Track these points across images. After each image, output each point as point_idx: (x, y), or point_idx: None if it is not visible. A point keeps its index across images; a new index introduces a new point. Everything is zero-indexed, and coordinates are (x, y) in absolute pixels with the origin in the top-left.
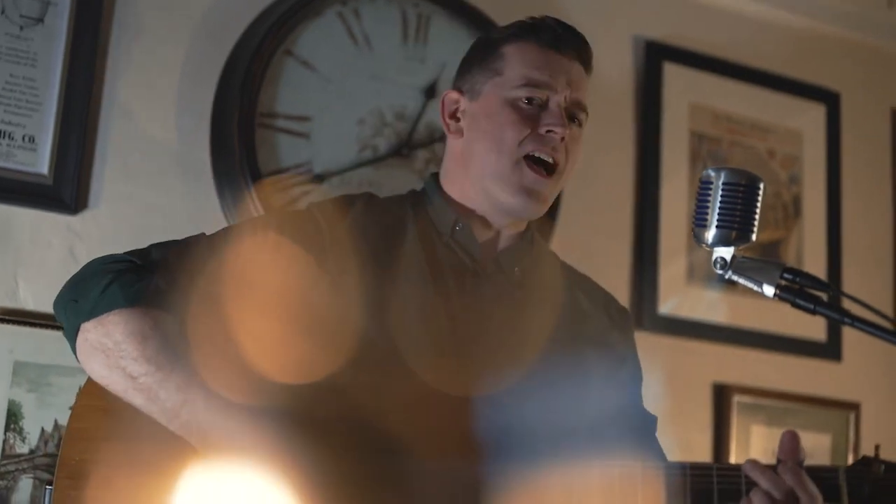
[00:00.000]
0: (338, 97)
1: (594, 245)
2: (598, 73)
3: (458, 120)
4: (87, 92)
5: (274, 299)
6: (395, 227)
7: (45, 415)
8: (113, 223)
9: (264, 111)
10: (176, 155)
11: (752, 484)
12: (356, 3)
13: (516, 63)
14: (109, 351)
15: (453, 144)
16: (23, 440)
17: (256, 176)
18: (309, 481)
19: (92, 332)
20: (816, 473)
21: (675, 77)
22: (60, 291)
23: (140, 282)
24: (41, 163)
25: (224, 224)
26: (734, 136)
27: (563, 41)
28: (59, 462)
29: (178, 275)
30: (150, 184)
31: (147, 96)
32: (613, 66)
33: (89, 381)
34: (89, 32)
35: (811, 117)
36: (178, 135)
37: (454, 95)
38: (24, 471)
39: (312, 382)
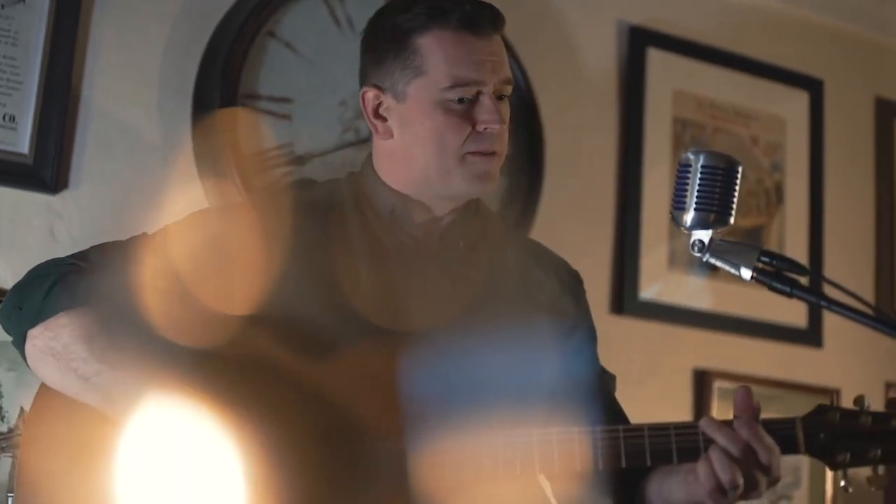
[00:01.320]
0: (320, 79)
1: (576, 230)
2: (581, 57)
3: (384, 119)
4: (69, 71)
5: (215, 291)
6: (334, 210)
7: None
8: (93, 203)
9: (246, 92)
10: (157, 135)
11: (709, 441)
12: None
13: (438, 59)
14: (59, 354)
15: (384, 144)
16: (2, 419)
17: (238, 156)
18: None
19: (39, 338)
20: (772, 426)
21: (658, 63)
22: (4, 300)
23: (83, 282)
24: (21, 142)
25: (205, 205)
26: (717, 123)
27: (474, 19)
28: (19, 468)
29: (120, 273)
30: (131, 164)
31: (129, 76)
32: (597, 52)
33: (42, 387)
34: (71, 12)
35: (794, 104)
36: (160, 115)
37: (374, 93)
38: (2, 449)
39: (259, 364)
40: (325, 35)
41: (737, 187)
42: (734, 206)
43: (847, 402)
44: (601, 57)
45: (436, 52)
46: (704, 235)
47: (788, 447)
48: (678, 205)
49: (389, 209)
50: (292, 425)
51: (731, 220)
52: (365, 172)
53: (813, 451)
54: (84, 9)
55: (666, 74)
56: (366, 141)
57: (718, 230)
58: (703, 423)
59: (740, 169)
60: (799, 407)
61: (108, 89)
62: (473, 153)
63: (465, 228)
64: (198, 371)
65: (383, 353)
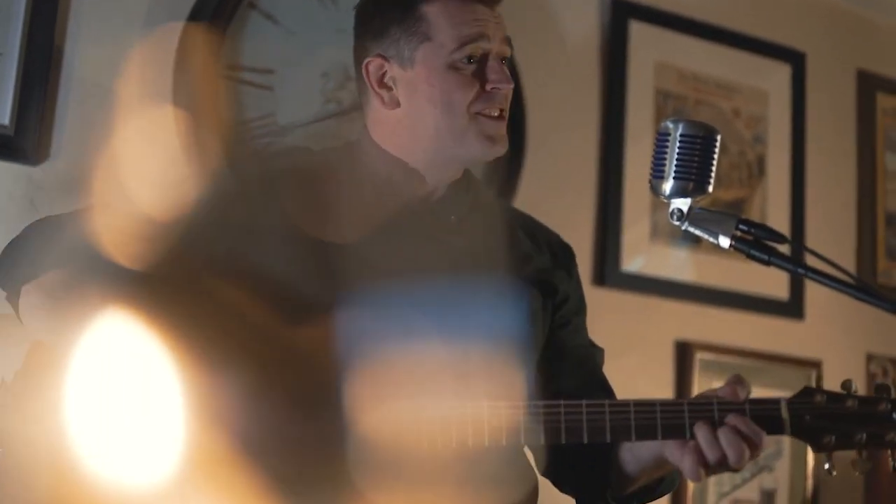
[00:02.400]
0: (302, 50)
1: (558, 202)
2: (564, 30)
3: (389, 88)
4: (49, 43)
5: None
6: (329, 181)
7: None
8: (74, 174)
9: (228, 63)
10: (138, 106)
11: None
12: None
13: (443, 24)
14: (49, 308)
15: (388, 114)
16: None
17: (220, 127)
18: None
19: (33, 294)
20: (758, 406)
21: (640, 35)
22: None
23: (75, 240)
24: (2, 113)
25: (186, 176)
26: (699, 95)
27: None
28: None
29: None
30: (113, 135)
31: (110, 47)
32: (579, 24)
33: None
34: None
35: (777, 77)
36: (142, 85)
37: (379, 62)
38: None
39: (222, 310)
40: (306, 6)
41: (715, 156)
42: (713, 174)
43: (829, 374)
44: (583, 29)
45: (441, 17)
46: (683, 204)
47: (773, 428)
48: (657, 173)
49: (385, 177)
50: (243, 372)
51: (710, 189)
52: (363, 141)
53: (798, 433)
54: None
55: (648, 47)
56: (348, 112)
57: (697, 199)
58: (696, 427)
59: (719, 137)
60: (781, 378)
61: (89, 61)
62: (483, 113)
63: (456, 202)
64: (157, 300)
65: (353, 312)
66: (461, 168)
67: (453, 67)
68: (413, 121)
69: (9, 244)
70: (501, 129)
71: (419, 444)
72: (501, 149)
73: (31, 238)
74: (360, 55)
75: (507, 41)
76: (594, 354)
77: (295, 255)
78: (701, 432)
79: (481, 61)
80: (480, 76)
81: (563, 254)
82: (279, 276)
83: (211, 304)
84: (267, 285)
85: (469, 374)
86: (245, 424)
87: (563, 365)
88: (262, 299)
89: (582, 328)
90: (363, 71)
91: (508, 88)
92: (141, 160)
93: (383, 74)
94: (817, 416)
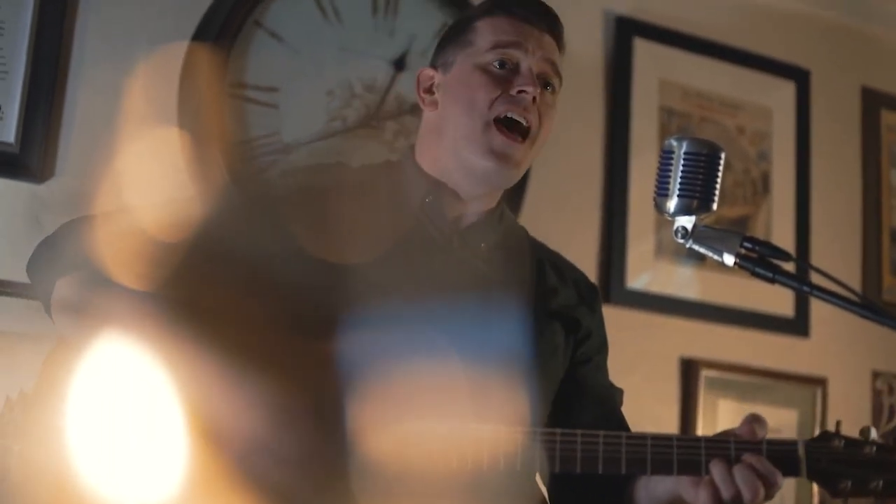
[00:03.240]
0: (307, 68)
1: (563, 219)
2: (568, 47)
3: (432, 93)
4: (55, 60)
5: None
6: (365, 198)
7: (10, 383)
8: (79, 191)
9: (233, 82)
10: (143, 124)
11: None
12: None
13: (487, 32)
14: (77, 306)
15: (428, 117)
16: None
17: (225, 145)
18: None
19: (64, 289)
20: (775, 448)
21: (645, 53)
22: (34, 253)
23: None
24: (8, 131)
25: (191, 193)
26: (704, 113)
27: (535, 15)
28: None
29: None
30: (117, 153)
31: (115, 66)
32: (583, 42)
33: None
34: (57, 1)
35: (781, 94)
36: (147, 103)
37: (429, 72)
38: None
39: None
40: (311, 25)
41: (719, 174)
42: (717, 192)
43: (835, 391)
44: (588, 47)
45: (487, 27)
46: (688, 222)
47: (789, 469)
48: (661, 191)
49: (422, 197)
50: (259, 383)
51: (714, 207)
52: (404, 162)
53: (814, 476)
54: None
55: (652, 64)
56: (353, 130)
57: (702, 216)
58: (712, 464)
59: (723, 155)
60: (786, 396)
61: (94, 79)
62: (500, 126)
63: (488, 230)
64: (172, 318)
65: (368, 331)
66: (488, 190)
67: (483, 68)
68: (443, 120)
69: (42, 241)
70: (514, 150)
71: (423, 462)
72: (510, 172)
73: (67, 236)
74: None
75: (552, 65)
76: (613, 395)
77: (317, 272)
78: (716, 469)
79: (513, 69)
80: (508, 80)
81: (588, 292)
82: (297, 294)
83: (224, 320)
84: (284, 303)
85: (479, 397)
86: (252, 441)
87: (583, 402)
88: (277, 316)
89: (603, 367)
90: (416, 81)
91: (535, 92)
92: (145, 178)
93: (431, 84)
94: (834, 461)
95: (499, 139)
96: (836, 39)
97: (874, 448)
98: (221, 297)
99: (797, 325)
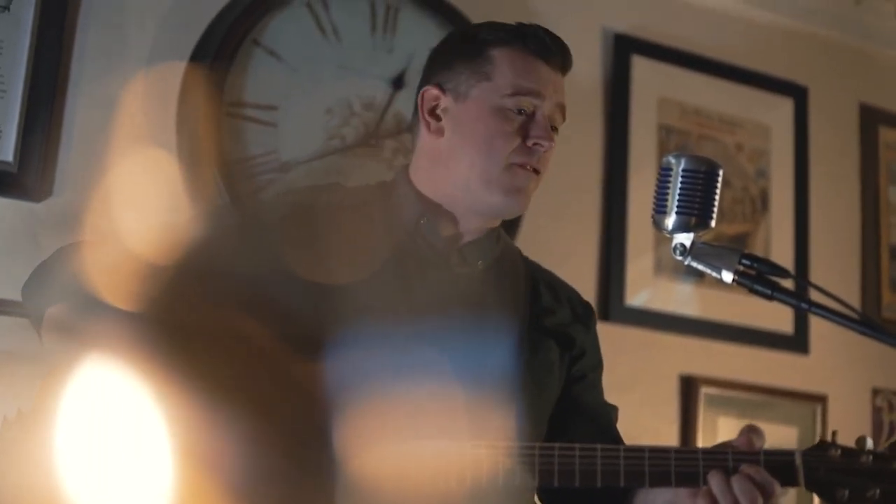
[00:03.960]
0: (305, 87)
1: (562, 237)
2: None
3: (438, 118)
4: (53, 80)
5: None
6: (360, 218)
7: (8, 403)
8: (77, 211)
9: (231, 100)
10: (142, 143)
11: (709, 467)
12: None
13: (506, 69)
14: (70, 330)
15: (431, 143)
16: None
17: (223, 164)
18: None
19: (56, 316)
20: (773, 458)
21: (643, 70)
22: (29, 278)
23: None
24: (6, 151)
25: (189, 213)
26: (702, 130)
27: (551, 51)
28: None
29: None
30: (115, 172)
31: (113, 85)
32: (582, 59)
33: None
34: (56, 20)
35: (779, 111)
36: (145, 123)
37: (435, 92)
38: None
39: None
40: (310, 43)
41: (718, 191)
42: (715, 209)
43: (835, 408)
44: (586, 65)
45: (506, 63)
46: (686, 239)
47: (787, 479)
48: (659, 208)
49: (416, 219)
50: (248, 406)
51: (713, 224)
52: (398, 182)
53: (811, 486)
54: (69, 17)
55: (651, 82)
56: (351, 148)
57: (700, 234)
58: (710, 475)
59: (721, 172)
60: (786, 413)
61: (92, 98)
62: (518, 164)
63: (484, 250)
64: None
65: (358, 351)
66: (488, 220)
67: (501, 113)
68: (452, 153)
69: (38, 266)
70: (531, 183)
71: (418, 483)
72: (523, 205)
73: (61, 261)
74: (421, 84)
75: (562, 109)
76: (609, 412)
77: (309, 293)
78: (715, 480)
79: (529, 116)
80: (524, 130)
81: (583, 311)
82: (289, 315)
83: (214, 343)
84: (272, 324)
85: (473, 416)
86: (241, 463)
87: (577, 420)
88: (266, 337)
89: (597, 384)
90: (418, 99)
91: (549, 147)
92: (143, 197)
93: (436, 105)
94: (831, 470)
95: (520, 176)
96: (834, 56)
97: (871, 457)
98: (212, 319)
99: (797, 343)
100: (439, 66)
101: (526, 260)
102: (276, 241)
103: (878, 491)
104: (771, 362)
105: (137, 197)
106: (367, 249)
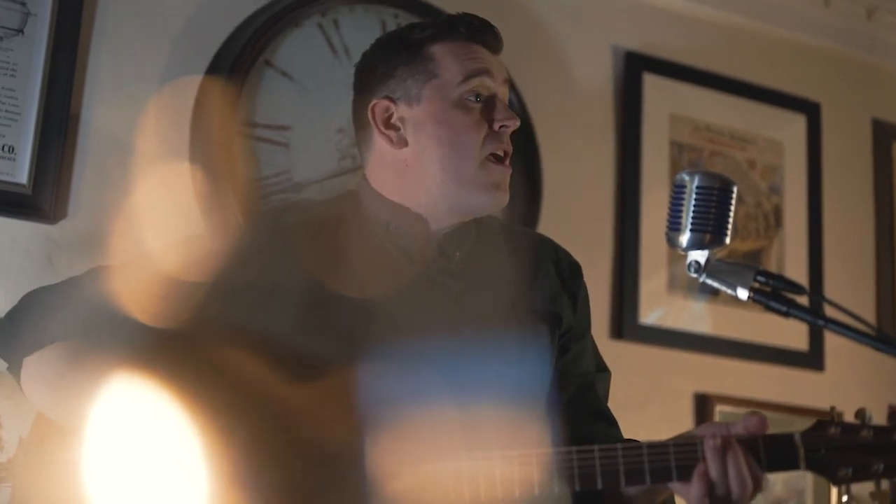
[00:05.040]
0: (317, 107)
1: (575, 254)
2: (578, 83)
3: (396, 129)
4: (67, 102)
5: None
6: (329, 230)
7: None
8: (91, 232)
9: (244, 120)
10: (155, 165)
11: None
12: (336, 13)
13: (449, 61)
14: (52, 382)
15: (395, 154)
16: (0, 449)
17: (236, 184)
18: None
19: (34, 366)
20: (772, 442)
21: (654, 87)
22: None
23: (75, 310)
24: (20, 172)
25: (204, 234)
26: (714, 147)
27: (484, 34)
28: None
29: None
30: (130, 193)
31: (127, 106)
32: (593, 77)
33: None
34: (69, 43)
35: (792, 127)
36: (158, 144)
37: (385, 104)
38: (2, 479)
39: (232, 372)
40: (321, 63)
41: (732, 207)
42: (730, 225)
43: None
44: (597, 83)
45: (447, 56)
46: (701, 256)
47: (788, 463)
48: (673, 226)
49: (384, 225)
50: (262, 432)
51: (727, 241)
52: (361, 191)
53: (813, 467)
54: (82, 40)
55: (662, 99)
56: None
57: (714, 251)
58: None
59: (735, 189)
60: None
61: (106, 119)
62: (492, 160)
63: (461, 238)
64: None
65: (360, 370)
66: (465, 217)
67: (461, 105)
68: (420, 161)
69: (7, 314)
70: (507, 177)
71: (439, 501)
72: (505, 199)
73: (30, 308)
74: (362, 104)
75: (509, 83)
76: (593, 382)
77: (305, 310)
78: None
79: (488, 102)
80: (488, 116)
81: (569, 275)
82: (291, 335)
83: (226, 365)
84: (280, 344)
85: (486, 428)
86: (263, 483)
87: (562, 396)
88: (275, 357)
89: (581, 356)
90: (369, 114)
91: (515, 125)
92: (158, 217)
93: (390, 116)
94: (832, 449)
95: (497, 172)
96: (847, 72)
97: (871, 431)
98: (224, 342)
99: (812, 359)
100: (380, 77)
101: (504, 231)
102: (268, 262)
103: (881, 466)
104: (786, 379)
105: (152, 217)
106: (345, 263)
